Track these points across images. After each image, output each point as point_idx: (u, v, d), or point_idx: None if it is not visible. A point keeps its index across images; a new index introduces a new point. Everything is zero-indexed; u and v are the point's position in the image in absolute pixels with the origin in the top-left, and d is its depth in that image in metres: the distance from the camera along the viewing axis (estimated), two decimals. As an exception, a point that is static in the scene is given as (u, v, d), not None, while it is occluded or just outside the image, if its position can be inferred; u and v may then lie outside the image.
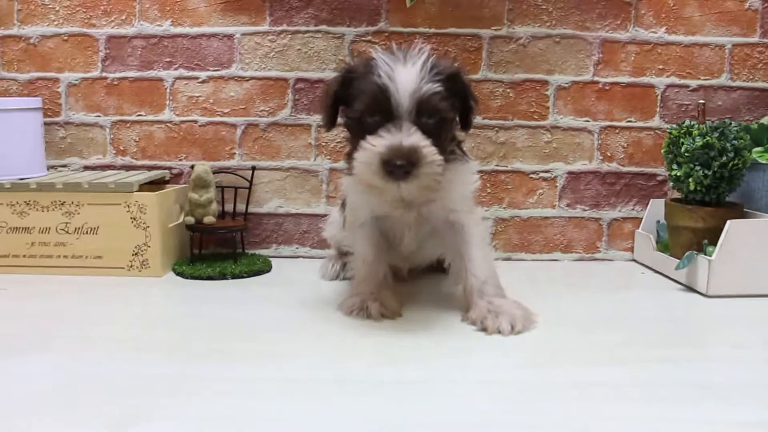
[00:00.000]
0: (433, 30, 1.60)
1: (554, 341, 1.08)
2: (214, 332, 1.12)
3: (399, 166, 0.99)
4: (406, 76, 1.03)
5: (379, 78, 1.03)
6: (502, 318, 1.10)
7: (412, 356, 1.01)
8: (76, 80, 1.64)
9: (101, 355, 1.00)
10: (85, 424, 0.78)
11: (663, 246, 1.56)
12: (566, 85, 1.63)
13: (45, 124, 1.61)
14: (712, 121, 1.44)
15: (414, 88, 1.02)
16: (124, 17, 1.62)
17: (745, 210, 1.43)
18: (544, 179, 1.66)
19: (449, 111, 1.07)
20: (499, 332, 1.09)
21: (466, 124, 1.15)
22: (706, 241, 1.38)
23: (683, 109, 1.65)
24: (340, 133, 1.61)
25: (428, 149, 1.02)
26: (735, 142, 1.36)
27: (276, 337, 1.10)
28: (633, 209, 1.68)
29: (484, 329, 1.10)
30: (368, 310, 1.16)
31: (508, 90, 1.63)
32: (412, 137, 1.01)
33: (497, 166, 1.65)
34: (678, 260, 1.41)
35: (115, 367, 0.96)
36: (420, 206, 1.16)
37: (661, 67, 1.64)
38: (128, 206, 1.43)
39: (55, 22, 1.62)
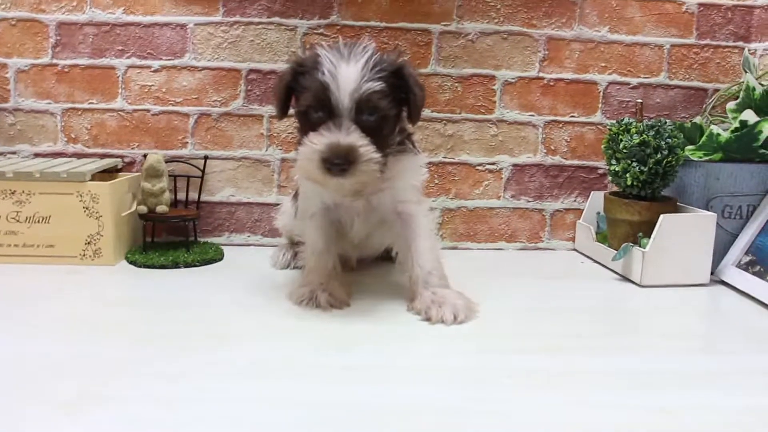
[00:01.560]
0: (384, 24, 1.64)
1: (494, 330, 1.13)
2: (165, 318, 1.15)
3: (336, 164, 1.04)
4: (347, 74, 1.06)
5: (323, 75, 1.07)
6: (446, 308, 1.15)
7: (358, 343, 1.05)
8: (26, 66, 1.63)
9: (52, 338, 1.03)
10: (37, 403, 0.82)
11: (602, 237, 1.62)
12: (512, 81, 1.69)
13: (-6, 110, 1.61)
14: (649, 119, 1.51)
15: (354, 86, 1.06)
16: (75, 4, 1.61)
17: (678, 204, 1.51)
18: (490, 171, 1.72)
19: (390, 108, 1.10)
20: (442, 322, 1.14)
21: (412, 116, 1.17)
22: (641, 233, 1.45)
23: (624, 106, 1.72)
24: (291, 124, 1.64)
25: (365, 148, 1.06)
26: (669, 140, 1.43)
27: (226, 323, 1.13)
28: (575, 201, 1.75)
29: (428, 319, 1.15)
30: (317, 300, 1.20)
31: (457, 84, 1.68)
32: (350, 136, 1.06)
33: (445, 158, 1.70)
34: (615, 251, 1.48)
35: (65, 349, 0.99)
36: (369, 195, 1.20)
37: (603, 64, 1.71)
38: (81, 195, 1.44)
39: (2, 6, 1.61)
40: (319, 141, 1.06)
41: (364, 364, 0.97)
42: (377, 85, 1.07)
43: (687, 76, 1.73)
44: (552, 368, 0.98)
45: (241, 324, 1.14)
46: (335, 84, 1.06)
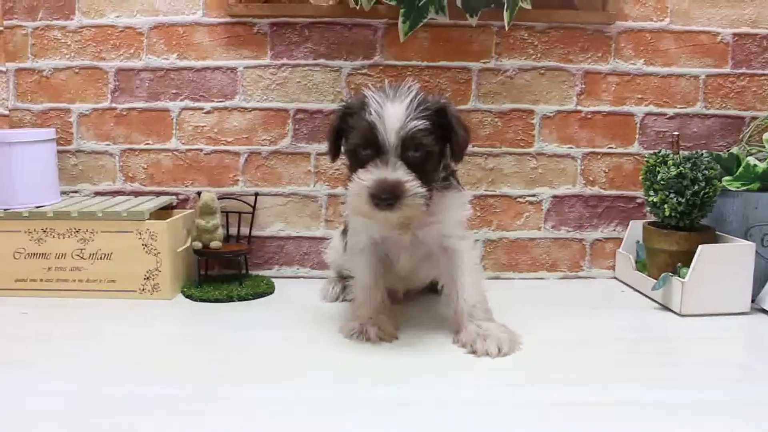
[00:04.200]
0: (425, 63, 1.70)
1: (536, 361, 1.17)
2: (221, 354, 1.21)
3: (384, 199, 1.10)
4: (393, 113, 1.13)
5: (370, 115, 1.13)
6: (490, 341, 1.19)
7: (407, 377, 1.10)
8: (87, 111, 1.73)
9: (115, 376, 1.09)
10: None
11: (642, 265, 1.65)
12: (551, 114, 1.73)
13: (58, 152, 1.70)
14: (687, 149, 1.54)
15: (400, 125, 1.12)
16: (132, 51, 1.71)
17: (717, 233, 1.53)
18: (531, 203, 1.76)
19: (434, 145, 1.16)
20: (487, 354, 1.18)
21: (455, 155, 1.23)
22: (680, 264, 1.48)
23: (661, 136, 1.75)
24: (338, 162, 1.70)
25: (411, 183, 1.12)
26: (706, 172, 1.45)
27: (278, 358, 1.19)
28: (614, 230, 1.78)
29: (473, 352, 1.20)
30: (367, 333, 1.26)
31: (496, 119, 1.73)
32: (397, 172, 1.12)
33: (486, 190, 1.75)
34: (655, 280, 1.50)
35: (128, 388, 1.04)
36: (415, 230, 1.26)
37: (639, 96, 1.74)
38: (140, 233, 1.52)
39: (67, 56, 1.71)
40: (367, 177, 1.12)
41: (413, 399, 1.01)
42: (421, 123, 1.13)
43: (723, 105, 1.75)
44: (595, 400, 1.01)
45: (293, 358, 1.19)
46: (382, 123, 1.12)
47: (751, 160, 1.48)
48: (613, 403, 1.01)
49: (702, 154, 1.49)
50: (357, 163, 1.17)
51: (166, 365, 1.15)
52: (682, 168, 1.46)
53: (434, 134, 1.16)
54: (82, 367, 1.13)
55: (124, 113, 1.73)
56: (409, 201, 1.12)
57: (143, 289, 1.54)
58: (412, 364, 1.16)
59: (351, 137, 1.18)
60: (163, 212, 1.66)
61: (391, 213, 1.12)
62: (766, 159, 1.49)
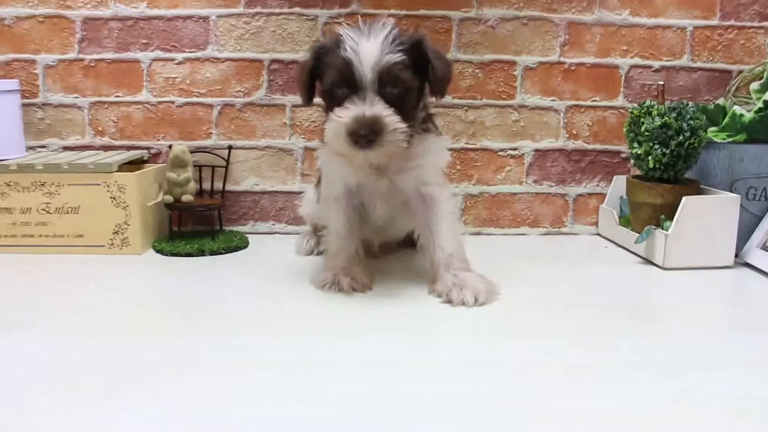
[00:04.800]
0: (403, 12, 1.64)
1: (514, 315, 1.13)
2: (190, 310, 1.16)
3: (363, 135, 1.06)
4: (368, 48, 1.09)
5: (345, 52, 1.09)
6: (467, 290, 1.16)
7: (379, 328, 1.06)
8: (53, 62, 1.67)
9: (81, 335, 1.04)
10: (71, 399, 0.83)
11: (625, 221, 1.62)
12: (533, 66, 1.69)
13: (23, 105, 1.64)
14: (672, 102, 1.50)
15: (376, 60, 1.08)
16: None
17: (701, 186, 1.50)
18: (512, 157, 1.72)
19: (412, 80, 1.12)
20: (464, 304, 1.15)
21: (435, 89, 1.18)
22: (663, 216, 1.44)
23: (646, 89, 1.71)
24: (313, 113, 1.65)
25: (390, 118, 1.08)
26: (691, 122, 1.42)
27: (249, 312, 1.14)
28: (597, 185, 1.74)
29: (449, 301, 1.16)
30: (340, 284, 1.22)
31: (477, 70, 1.68)
32: (375, 108, 1.08)
33: (466, 144, 1.70)
34: (638, 234, 1.47)
35: (93, 347, 0.99)
36: (392, 175, 1.22)
37: (625, 48, 1.70)
38: (108, 186, 1.47)
39: (30, 4, 1.64)
40: (344, 114, 1.08)
41: (386, 353, 0.97)
42: (398, 57, 1.09)
43: (710, 58, 1.71)
44: (577, 356, 0.97)
45: (265, 312, 1.14)
46: (357, 59, 1.08)
47: (738, 109, 1.45)
48: (595, 359, 0.96)
49: (687, 104, 1.45)
50: (333, 102, 1.13)
51: (133, 322, 1.10)
52: (666, 118, 1.42)
53: (412, 69, 1.12)
54: (45, 325, 1.07)
55: (93, 65, 1.67)
56: (390, 137, 1.08)
57: (112, 244, 1.49)
58: (386, 315, 1.12)
59: (326, 76, 1.14)
60: (134, 167, 1.60)
61: (371, 151, 1.08)
62: (752, 109, 1.45)
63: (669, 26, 1.69)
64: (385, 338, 1.02)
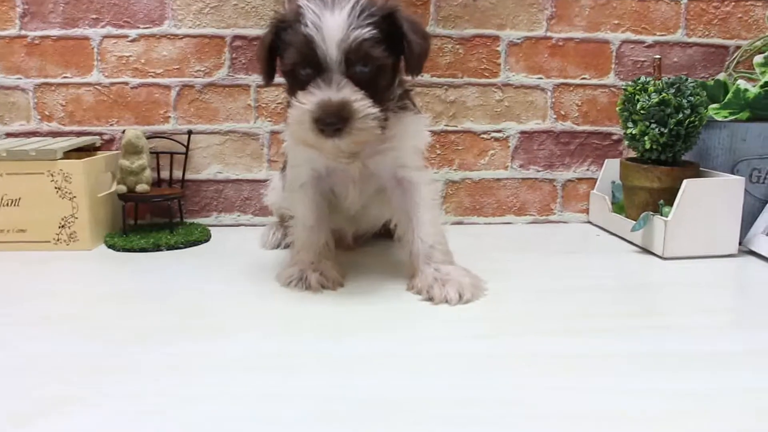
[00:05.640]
0: (377, -17, 1.52)
1: (504, 310, 1.02)
2: (143, 308, 1.03)
3: (330, 123, 0.94)
4: (333, 23, 0.95)
5: (306, 27, 0.96)
6: (450, 286, 1.04)
7: (353, 329, 0.94)
8: (-7, 39, 1.52)
9: (14, 336, 0.91)
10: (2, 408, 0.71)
11: (618, 207, 1.52)
12: (518, 41, 1.57)
13: (-40, 87, 1.50)
14: (668, 78, 1.38)
15: (341, 36, 0.95)
16: (43, -30, 1.50)
17: (701, 169, 1.39)
18: (496, 139, 1.60)
19: (385, 57, 0.99)
20: (446, 302, 1.03)
21: (410, 66, 1.04)
22: (662, 201, 1.33)
23: (638, 66, 1.60)
24: (280, 94, 1.52)
25: (360, 103, 0.95)
26: (692, 98, 1.31)
27: (209, 312, 1.02)
28: (588, 170, 1.63)
29: (430, 299, 1.04)
30: (307, 280, 1.10)
31: (458, 46, 1.55)
32: (342, 92, 0.95)
33: (447, 126, 1.58)
34: (634, 221, 1.36)
35: (32, 347, 0.88)
36: (366, 159, 1.09)
37: (616, 22, 1.58)
38: (52, 175, 1.33)
39: (-33, -24, 1.50)
40: (308, 100, 0.95)
41: (360, 353, 0.86)
42: (367, 32, 0.96)
43: (706, 33, 1.61)
44: (570, 351, 0.87)
45: (223, 311, 1.02)
46: (320, 35, 0.95)
47: (742, 83, 1.34)
48: (590, 354, 0.86)
49: (686, 79, 1.34)
50: (297, 84, 1.00)
51: (74, 323, 0.97)
52: (664, 94, 1.31)
53: (384, 44, 0.99)
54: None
55: (37, 42, 1.52)
56: (360, 124, 0.95)
57: (58, 239, 1.35)
58: (358, 315, 1.00)
59: (287, 55, 1.00)
60: (84, 154, 1.46)
61: (340, 140, 0.96)
62: (758, 84, 1.34)
63: (662, -2, 1.58)
64: (358, 339, 0.90)
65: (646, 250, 1.35)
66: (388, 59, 1.00)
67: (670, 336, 0.92)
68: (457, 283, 1.04)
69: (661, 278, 1.22)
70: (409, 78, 1.09)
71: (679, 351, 0.87)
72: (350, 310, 1.01)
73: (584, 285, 1.16)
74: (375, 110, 0.96)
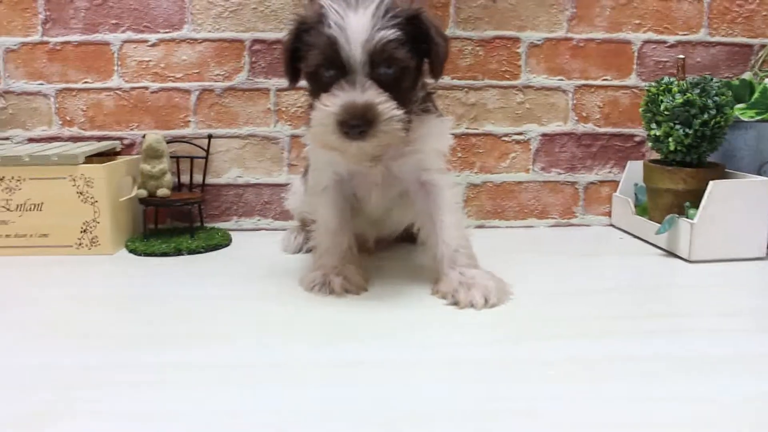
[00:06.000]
0: (397, -15, 1.51)
1: (528, 315, 1.00)
2: (162, 314, 1.02)
3: (354, 126, 0.93)
4: (357, 24, 0.94)
5: (329, 29, 0.95)
6: (475, 290, 1.02)
7: (377, 334, 0.93)
8: (15, 45, 1.52)
9: (39, 345, 0.90)
10: (5, 415, 0.70)
11: (641, 209, 1.50)
12: (539, 42, 1.55)
13: (-17, 93, 1.50)
14: (692, 78, 1.37)
15: (366, 37, 0.94)
16: (64, -24, 1.50)
17: (726, 170, 1.37)
18: (517, 142, 1.58)
19: (409, 59, 0.98)
20: (472, 306, 1.01)
21: (434, 70, 1.04)
22: (687, 203, 1.31)
23: (661, 67, 1.58)
24: (300, 98, 1.51)
25: (385, 105, 0.94)
26: (717, 98, 1.29)
27: (230, 317, 1.01)
28: (610, 172, 1.61)
29: (455, 303, 1.03)
30: (331, 285, 1.08)
31: (478, 48, 1.54)
32: (367, 93, 0.94)
33: (468, 128, 1.57)
34: (658, 224, 1.35)
35: (36, 357, 0.86)
36: (389, 162, 1.08)
37: (637, 21, 1.56)
38: (74, 180, 1.33)
39: (-11, -18, 1.50)
40: (332, 102, 0.94)
41: (385, 359, 0.85)
42: (392, 33, 0.95)
43: (730, 32, 1.58)
44: (596, 357, 0.85)
45: (244, 317, 1.01)
46: (344, 36, 0.94)
47: (769, 83, 1.32)
48: (616, 358, 0.85)
49: (711, 79, 1.32)
50: (320, 87, 0.99)
51: (97, 329, 0.96)
52: (689, 95, 1.29)
53: (408, 46, 0.98)
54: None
55: (58, 48, 1.53)
56: (385, 126, 0.94)
57: (80, 244, 1.35)
58: (384, 320, 0.98)
59: (309, 57, 0.99)
60: (105, 159, 1.47)
61: (365, 142, 0.95)
62: (784, 83, 1.32)
63: (685, -3, 1.56)
64: (383, 344, 0.89)
65: (671, 253, 1.33)
66: (412, 61, 0.99)
67: (696, 339, 0.91)
68: (483, 287, 1.03)
69: (687, 281, 1.20)
70: (431, 81, 1.08)
71: (705, 355, 0.86)
72: (374, 315, 1.00)
73: (608, 288, 1.15)
74: (399, 112, 0.95)
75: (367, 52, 0.94)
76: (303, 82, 1.07)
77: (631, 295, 1.12)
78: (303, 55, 1.01)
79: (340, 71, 0.96)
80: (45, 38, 1.52)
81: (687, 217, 1.30)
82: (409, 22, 0.98)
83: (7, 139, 1.56)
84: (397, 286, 1.14)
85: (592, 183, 1.62)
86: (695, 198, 1.30)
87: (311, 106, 1.02)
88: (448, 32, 1.51)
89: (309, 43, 0.99)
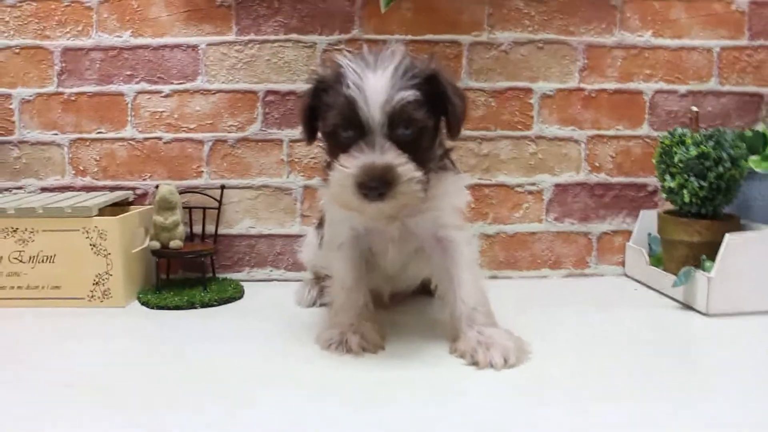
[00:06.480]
0: (409, 37, 1.52)
1: (550, 375, 0.99)
2: (179, 373, 1.01)
3: (373, 188, 0.92)
4: (375, 84, 0.95)
5: (348, 89, 0.95)
6: (494, 350, 1.01)
7: (395, 396, 0.91)
8: (30, 96, 1.53)
9: (45, 402, 0.89)
10: None
11: (656, 260, 1.49)
12: (551, 93, 1.56)
13: (-3, 143, 1.51)
14: (705, 129, 1.37)
15: (385, 98, 0.94)
16: (80, 28, 1.52)
17: (741, 221, 1.36)
18: (530, 192, 1.58)
19: (427, 119, 0.98)
20: (491, 366, 1.00)
21: (452, 129, 1.05)
22: (704, 256, 1.31)
23: (672, 116, 1.58)
24: (313, 148, 1.52)
25: (404, 167, 0.94)
26: (731, 151, 1.29)
27: (242, 376, 0.99)
28: (623, 222, 1.61)
29: (474, 363, 1.01)
30: (347, 344, 1.07)
31: (491, 99, 1.55)
32: (386, 155, 0.94)
33: (480, 179, 1.57)
34: (673, 276, 1.34)
35: (56, 417, 0.85)
36: (405, 219, 1.08)
37: (648, 72, 1.57)
38: (87, 232, 1.33)
39: (5, 34, 1.52)
40: (351, 164, 0.94)
41: (405, 421, 0.83)
42: (411, 94, 0.95)
43: (740, 81, 1.59)
44: (621, 420, 0.84)
45: (260, 375, 1.00)
46: (363, 97, 0.94)
47: (783, 136, 1.32)
48: (640, 422, 0.83)
49: (725, 131, 1.32)
50: (338, 147, 0.99)
51: (107, 387, 0.95)
52: (703, 147, 1.29)
53: (426, 106, 0.98)
54: (2, 392, 0.93)
55: (73, 98, 1.54)
56: (404, 188, 0.94)
57: (92, 296, 1.34)
58: (402, 380, 0.97)
59: (328, 117, 0.99)
60: (117, 209, 1.47)
61: (384, 204, 0.94)
62: (798, 136, 1.32)
63: (694, 47, 1.57)
64: (403, 407, 0.87)
65: (688, 306, 1.32)
66: (430, 121, 0.99)
67: (719, 399, 0.89)
68: (502, 347, 1.02)
69: (706, 336, 1.19)
70: (449, 141, 1.09)
71: (728, 417, 0.84)
72: (393, 375, 0.99)
73: (626, 344, 1.14)
74: (418, 174, 0.95)
75: (386, 113, 0.94)
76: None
77: (651, 350, 1.11)
78: (321, 114, 1.02)
79: (358, 132, 0.96)
80: (60, 89, 1.53)
81: (703, 270, 1.29)
82: (426, 81, 0.99)
83: (20, 188, 1.56)
84: (414, 343, 1.12)
85: (605, 233, 1.61)
86: (711, 250, 1.29)
87: (328, 165, 1.02)
88: (461, 83, 1.52)
89: (327, 102, 0.99)
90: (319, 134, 1.07)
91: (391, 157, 0.94)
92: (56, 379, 0.98)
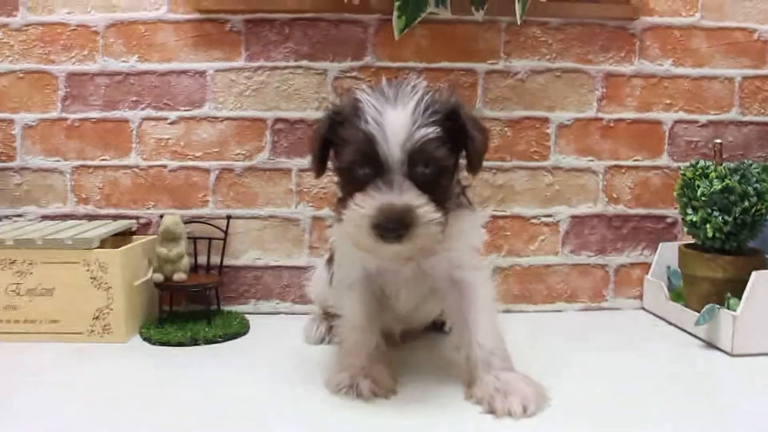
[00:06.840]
0: (423, 64, 1.49)
1: (571, 423, 0.94)
2: (176, 415, 0.96)
3: (391, 229, 0.88)
4: (396, 121, 0.91)
5: (366, 124, 0.91)
6: (513, 398, 0.96)
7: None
8: (33, 121, 1.50)
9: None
10: None
11: (675, 294, 1.44)
12: (568, 123, 1.52)
13: (-2, 170, 1.47)
14: (730, 163, 1.32)
15: (405, 135, 0.90)
16: (85, 53, 1.49)
17: (767, 257, 1.31)
18: (546, 224, 1.54)
19: (448, 158, 0.94)
20: (510, 415, 0.94)
21: (472, 165, 1.00)
22: (728, 294, 1.25)
23: (692, 146, 1.54)
24: (323, 179, 1.47)
25: (424, 209, 0.90)
26: (757, 185, 1.25)
27: (246, 421, 0.95)
28: (641, 254, 1.56)
29: (492, 411, 0.96)
30: (358, 388, 1.01)
31: (506, 128, 1.51)
32: (405, 196, 0.90)
33: (495, 210, 1.53)
34: (695, 312, 1.29)
35: None
36: (420, 259, 1.03)
37: (668, 101, 1.53)
38: (87, 264, 1.28)
39: (10, 58, 1.49)
40: (368, 204, 0.90)
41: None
42: (432, 131, 0.91)
43: (762, 111, 1.56)
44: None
45: (266, 419, 0.95)
46: (382, 134, 0.90)
47: (810, 169, 1.27)
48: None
49: (751, 164, 1.28)
50: (353, 184, 0.95)
51: (104, 427, 0.91)
52: (728, 181, 1.25)
53: (447, 143, 0.94)
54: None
55: (77, 124, 1.51)
56: (422, 230, 0.90)
57: (92, 331, 1.30)
58: (416, 428, 0.92)
59: (344, 153, 0.95)
60: (120, 239, 1.42)
61: (401, 246, 0.90)
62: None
63: (715, 77, 1.54)
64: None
65: (711, 344, 1.27)
66: (451, 159, 0.95)
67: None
68: (521, 394, 0.96)
69: (732, 377, 1.14)
70: (469, 177, 1.04)
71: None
72: (406, 423, 0.94)
73: (650, 387, 1.09)
74: (438, 215, 0.91)
75: (405, 151, 0.90)
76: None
77: (675, 392, 1.06)
78: (336, 148, 0.98)
79: (376, 170, 0.91)
80: (64, 114, 1.50)
81: (728, 308, 1.24)
82: (447, 116, 0.94)
83: (20, 216, 1.52)
84: (428, 386, 1.07)
85: (622, 265, 1.56)
86: (735, 287, 1.25)
87: (341, 201, 0.98)
88: (476, 112, 1.48)
89: (343, 137, 0.95)
90: (330, 167, 1.03)
91: (411, 197, 0.90)
92: (48, 414, 0.94)
